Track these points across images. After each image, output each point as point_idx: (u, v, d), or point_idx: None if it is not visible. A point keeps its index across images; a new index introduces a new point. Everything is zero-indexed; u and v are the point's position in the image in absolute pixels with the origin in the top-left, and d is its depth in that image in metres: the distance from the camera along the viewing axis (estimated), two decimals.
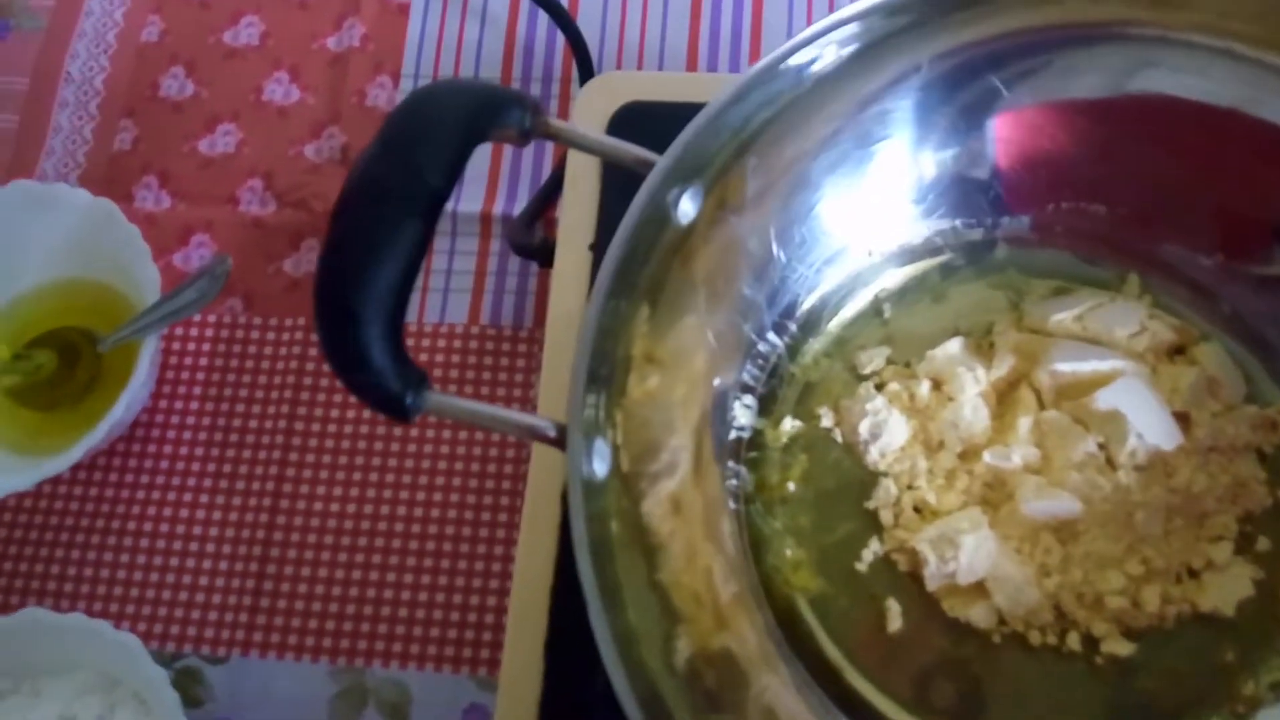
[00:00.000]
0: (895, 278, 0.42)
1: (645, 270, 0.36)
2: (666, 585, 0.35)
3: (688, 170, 0.35)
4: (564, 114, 0.54)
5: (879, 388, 0.41)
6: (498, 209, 0.53)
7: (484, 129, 0.33)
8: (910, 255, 0.43)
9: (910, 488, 0.39)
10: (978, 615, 0.37)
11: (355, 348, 0.30)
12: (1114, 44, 0.37)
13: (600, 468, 0.33)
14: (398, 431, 0.50)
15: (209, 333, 0.53)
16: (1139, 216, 0.40)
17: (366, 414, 0.51)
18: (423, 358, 0.51)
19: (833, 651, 0.37)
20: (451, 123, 0.32)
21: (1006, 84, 0.39)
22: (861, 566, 0.39)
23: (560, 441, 0.32)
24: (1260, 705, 0.36)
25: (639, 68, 0.54)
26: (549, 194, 0.52)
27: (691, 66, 0.54)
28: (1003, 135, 0.40)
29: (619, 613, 0.32)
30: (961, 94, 0.39)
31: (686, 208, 0.36)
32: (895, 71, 0.38)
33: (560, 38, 0.56)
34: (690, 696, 0.34)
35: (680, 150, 0.35)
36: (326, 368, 0.52)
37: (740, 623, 0.36)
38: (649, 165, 0.35)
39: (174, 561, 0.49)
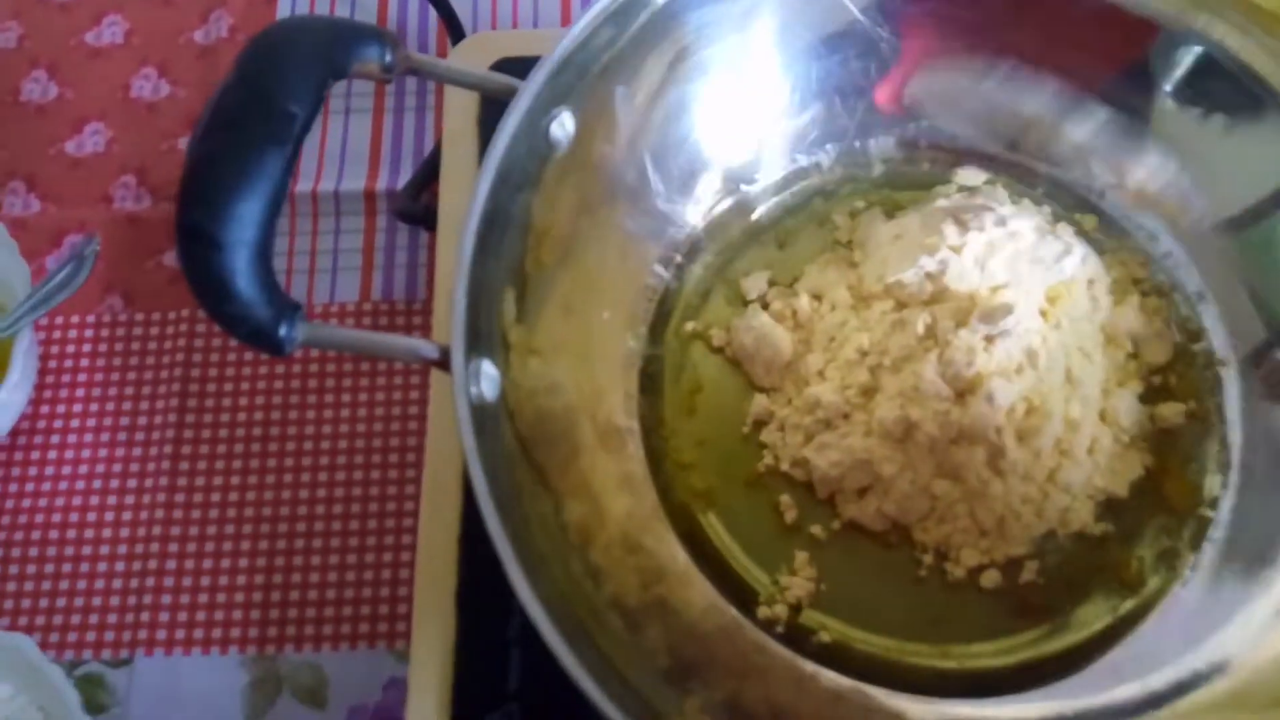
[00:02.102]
0: (773, 203, 0.43)
1: (519, 199, 0.36)
2: (583, 542, 0.35)
3: (556, 95, 0.36)
4: (442, 89, 0.54)
5: (764, 308, 0.41)
6: (381, 185, 0.53)
7: (342, 62, 0.33)
8: (786, 181, 0.44)
9: (790, 403, 0.39)
10: (868, 517, 0.37)
11: (220, 277, 0.29)
12: None
13: (489, 389, 0.33)
14: (293, 413, 0.49)
15: (89, 333, 0.51)
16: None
17: (259, 400, 0.50)
18: None
19: (737, 558, 0.38)
20: (308, 53, 0.32)
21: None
22: (755, 480, 0.39)
23: (444, 363, 0.32)
24: (1145, 579, 0.37)
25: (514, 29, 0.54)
26: (433, 166, 0.52)
27: (565, 25, 0.54)
28: (864, 51, 0.42)
29: (528, 542, 0.31)
30: (817, 14, 0.41)
31: (558, 134, 0.36)
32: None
33: (433, 16, 0.56)
34: (607, 615, 0.33)
35: (546, 72, 0.35)
36: (215, 358, 0.51)
37: (647, 539, 0.36)
38: (517, 92, 0.35)
39: (66, 567, 0.47)
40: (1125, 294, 0.40)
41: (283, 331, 0.30)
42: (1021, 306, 0.37)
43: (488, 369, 0.33)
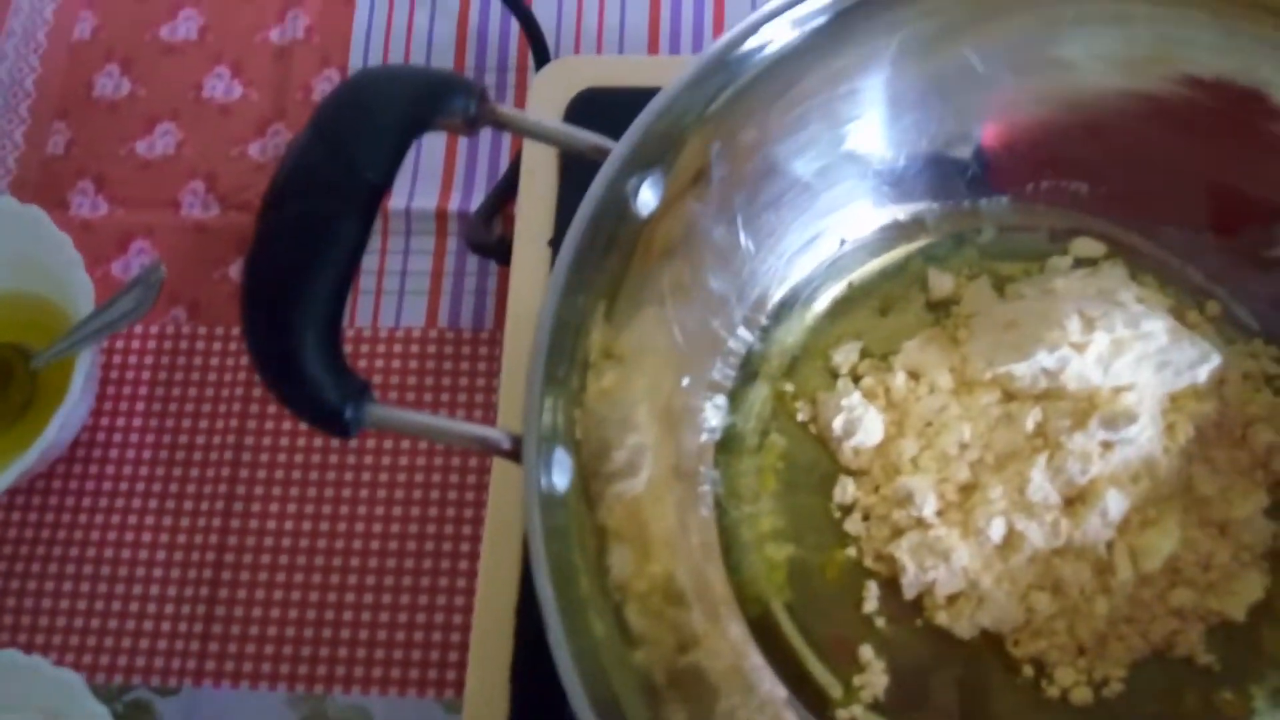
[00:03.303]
0: (870, 265, 0.40)
1: (604, 265, 0.33)
2: (627, 606, 0.33)
3: (647, 157, 0.33)
4: (521, 104, 0.52)
5: (855, 381, 0.38)
6: (453, 205, 0.51)
7: (425, 118, 0.31)
8: (885, 243, 0.40)
9: (878, 490, 0.37)
10: (959, 625, 0.35)
11: (287, 358, 0.28)
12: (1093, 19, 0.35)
13: (560, 480, 0.31)
14: (354, 443, 0.48)
15: (151, 345, 0.50)
16: (1123, 194, 0.38)
17: None
18: (378, 364, 0.49)
19: (808, 656, 0.35)
20: (390, 111, 0.30)
21: (982, 59, 0.37)
22: (835, 571, 0.37)
23: (515, 454, 0.30)
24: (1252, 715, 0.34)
25: (598, 53, 0.51)
26: (506, 189, 0.50)
27: (653, 50, 0.51)
28: (981, 113, 0.38)
29: (581, 635, 0.29)
30: (935, 70, 0.37)
31: (647, 197, 0.34)
32: (863, 48, 0.36)
33: (515, 24, 0.53)
34: (645, 707, 0.31)
35: (638, 135, 0.32)
36: None
37: (712, 636, 0.34)
38: (605, 153, 0.32)
39: (119, 589, 0.46)
40: (1256, 392, 0.37)
41: (348, 414, 0.28)
42: (1145, 413, 0.33)
43: (560, 456, 0.31)
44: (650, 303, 0.36)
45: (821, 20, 0.34)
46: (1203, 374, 0.34)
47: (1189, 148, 0.36)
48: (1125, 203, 0.39)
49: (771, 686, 0.35)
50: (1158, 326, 0.34)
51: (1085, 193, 0.39)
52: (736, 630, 0.36)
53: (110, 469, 0.48)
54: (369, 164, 0.28)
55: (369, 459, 0.47)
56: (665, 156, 0.34)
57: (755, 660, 0.36)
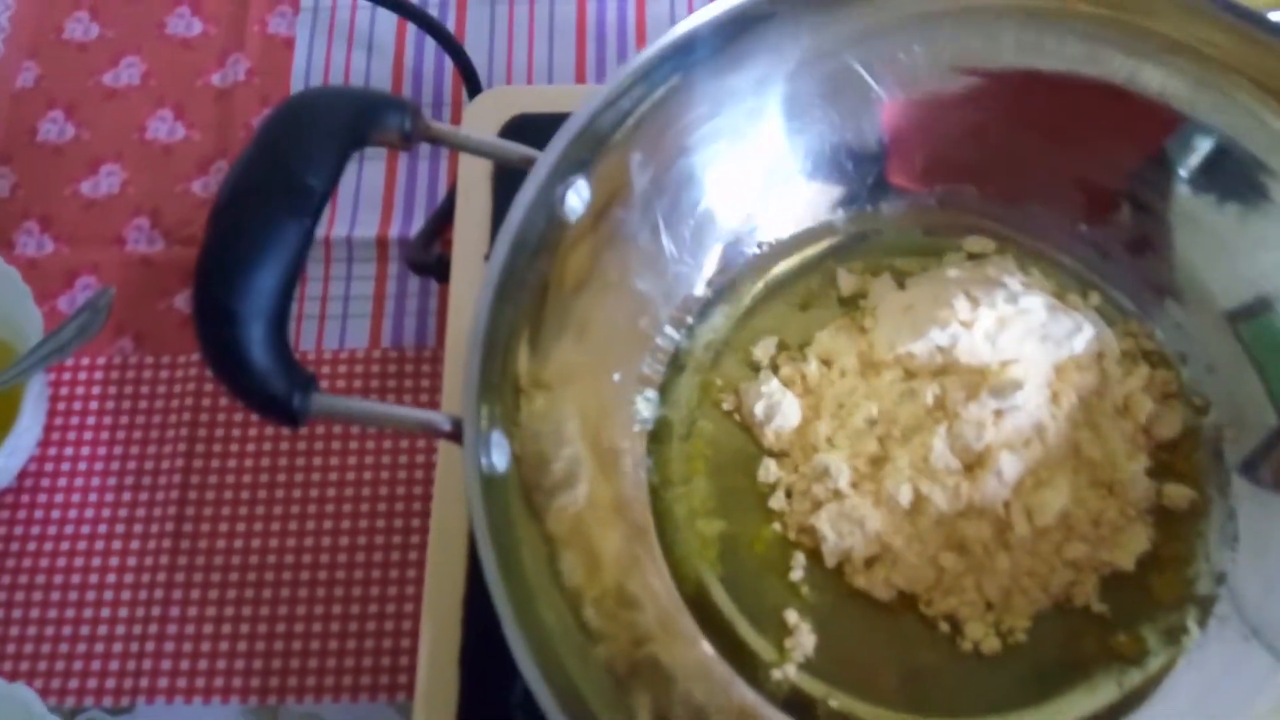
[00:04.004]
0: (785, 265, 0.43)
1: (535, 266, 0.36)
2: (576, 597, 0.35)
3: (572, 164, 0.36)
4: None
5: (774, 371, 0.41)
6: (394, 233, 0.53)
7: (363, 132, 0.33)
8: (799, 244, 0.44)
9: (797, 469, 0.39)
10: (878, 588, 0.37)
11: (236, 350, 0.29)
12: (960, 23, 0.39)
13: (500, 460, 0.33)
14: (300, 461, 0.49)
15: (99, 375, 0.51)
16: (1007, 194, 0.42)
17: (266, 446, 0.50)
18: (323, 385, 0.50)
19: (740, 623, 0.37)
20: (327, 125, 0.32)
21: (871, 74, 0.41)
22: (763, 545, 0.39)
23: (456, 435, 0.32)
24: (1149, 654, 0.37)
25: (529, 84, 0.55)
26: (445, 213, 0.52)
27: (580, 81, 0.55)
28: (876, 124, 0.42)
29: (530, 610, 0.32)
30: (828, 88, 0.41)
31: (574, 203, 0.37)
32: (760, 67, 0.39)
33: (449, 63, 0.56)
34: (613, 694, 0.33)
35: (564, 144, 0.35)
36: (224, 403, 0.51)
37: (670, 633, 0.36)
38: (534, 162, 0.35)
39: (69, 613, 0.47)
40: (1134, 365, 0.40)
41: (296, 403, 0.30)
42: (1031, 382, 0.37)
43: (498, 439, 0.33)
44: (580, 301, 0.38)
45: (721, 42, 0.38)
46: (1079, 344, 0.38)
47: (1054, 145, 0.40)
48: (1009, 202, 0.43)
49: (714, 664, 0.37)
50: (1036, 303, 0.38)
51: (974, 194, 0.43)
52: (686, 621, 0.38)
53: (59, 497, 0.49)
54: (309, 171, 0.31)
55: (316, 476, 0.49)
56: (589, 165, 0.37)
57: (706, 648, 0.38)
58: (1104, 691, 0.37)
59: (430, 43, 0.57)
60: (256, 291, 0.30)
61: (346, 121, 0.33)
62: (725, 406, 0.41)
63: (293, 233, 0.31)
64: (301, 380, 0.31)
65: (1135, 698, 0.37)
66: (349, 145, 0.33)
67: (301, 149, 0.31)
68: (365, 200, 0.54)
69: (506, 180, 0.45)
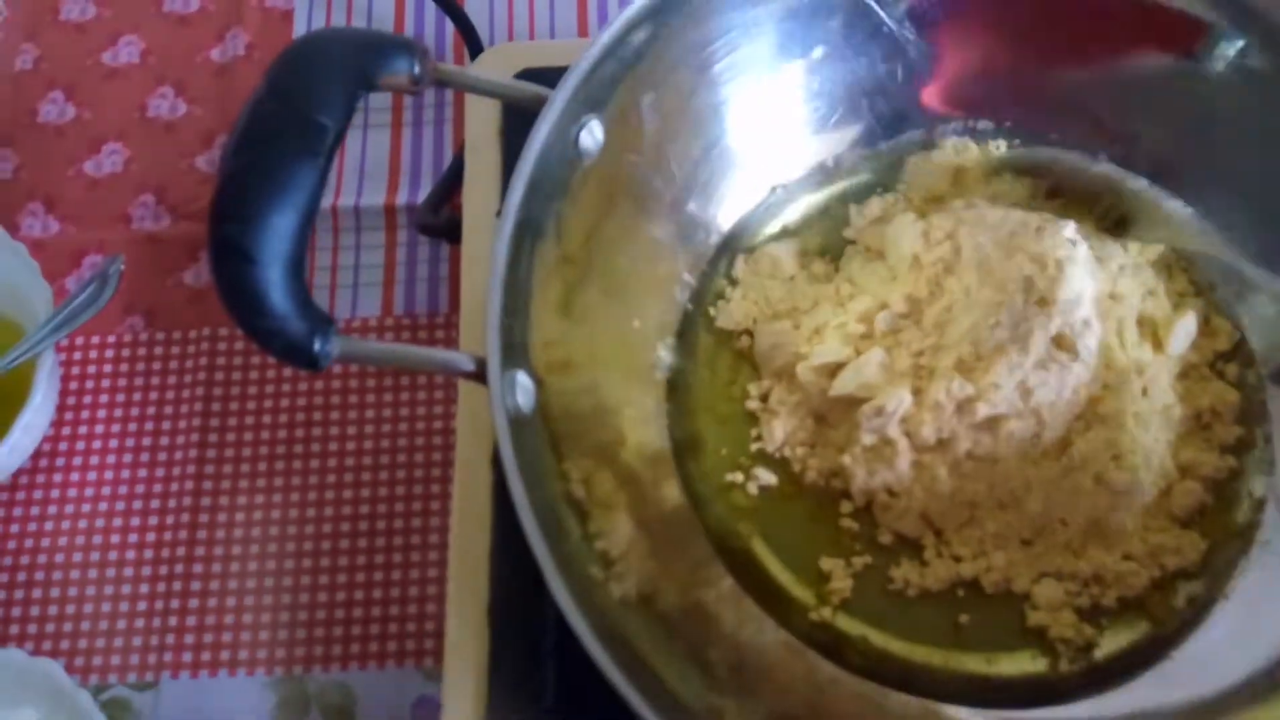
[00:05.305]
0: (800, 207, 0.43)
1: (550, 209, 0.35)
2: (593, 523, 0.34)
3: (585, 104, 0.35)
4: (459, 98, 0.54)
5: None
6: (401, 199, 0.53)
7: (372, 74, 0.33)
8: (816, 184, 0.43)
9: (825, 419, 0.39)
10: (907, 525, 0.37)
11: (254, 292, 0.29)
12: None
13: (525, 400, 0.33)
14: (316, 431, 0.49)
15: (109, 354, 0.51)
16: (1027, 122, 0.42)
17: (282, 418, 0.49)
18: None
19: (781, 573, 0.37)
20: (338, 65, 0.32)
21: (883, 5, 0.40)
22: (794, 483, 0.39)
23: (480, 375, 0.31)
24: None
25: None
26: (453, 177, 0.52)
27: (583, 36, 0.54)
28: (892, 58, 0.41)
29: (561, 541, 0.31)
30: (843, 19, 0.40)
31: (588, 144, 0.36)
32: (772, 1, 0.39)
33: (449, 28, 0.56)
34: (649, 626, 0.33)
35: (576, 80, 0.35)
36: (236, 376, 0.51)
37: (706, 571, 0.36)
38: (546, 101, 0.35)
39: (90, 590, 0.46)
40: (1185, 301, 0.40)
41: (317, 346, 0.30)
42: (1091, 325, 0.36)
43: (523, 380, 0.33)
44: (598, 246, 0.38)
45: None
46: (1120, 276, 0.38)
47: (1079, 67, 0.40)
48: (1030, 133, 0.42)
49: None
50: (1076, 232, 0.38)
51: (992, 128, 0.43)
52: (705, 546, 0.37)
53: (75, 475, 0.48)
54: (320, 109, 0.30)
55: (333, 445, 0.48)
56: (602, 106, 0.36)
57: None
58: (1142, 624, 0.36)
59: (430, 10, 0.56)
60: (274, 232, 0.29)
61: (355, 61, 0.32)
62: (742, 349, 0.41)
63: (308, 172, 0.30)
64: (322, 323, 0.30)
65: (1177, 628, 0.36)
66: (359, 86, 0.32)
67: (312, 89, 0.31)
68: (371, 168, 0.53)
69: (515, 134, 0.45)
